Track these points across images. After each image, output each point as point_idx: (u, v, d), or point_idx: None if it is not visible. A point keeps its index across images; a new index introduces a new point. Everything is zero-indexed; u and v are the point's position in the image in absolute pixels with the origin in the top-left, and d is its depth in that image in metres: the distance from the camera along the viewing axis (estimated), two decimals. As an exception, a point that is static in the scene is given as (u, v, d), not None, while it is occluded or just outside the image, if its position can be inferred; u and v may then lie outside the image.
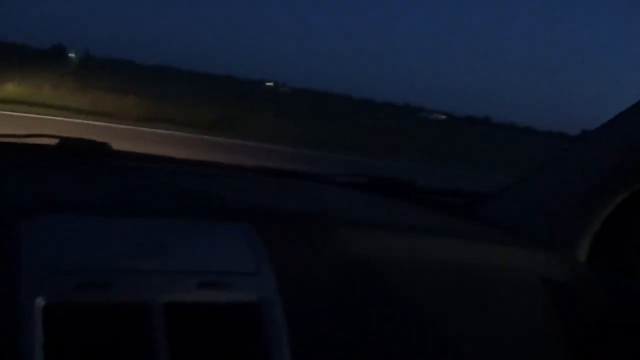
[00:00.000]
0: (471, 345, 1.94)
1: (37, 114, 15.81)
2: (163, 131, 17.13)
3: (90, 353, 1.40)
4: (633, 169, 2.05)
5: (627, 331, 2.09)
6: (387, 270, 1.88)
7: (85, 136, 2.13)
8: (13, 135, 2.11)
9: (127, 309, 1.45)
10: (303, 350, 1.59)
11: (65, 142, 2.08)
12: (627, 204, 2.09)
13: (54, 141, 2.08)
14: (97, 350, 1.41)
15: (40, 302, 1.39)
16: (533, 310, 2.07)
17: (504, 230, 2.21)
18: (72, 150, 2.09)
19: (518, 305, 2.04)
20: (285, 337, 1.55)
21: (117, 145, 2.18)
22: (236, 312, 1.54)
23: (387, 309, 1.86)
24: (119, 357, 1.42)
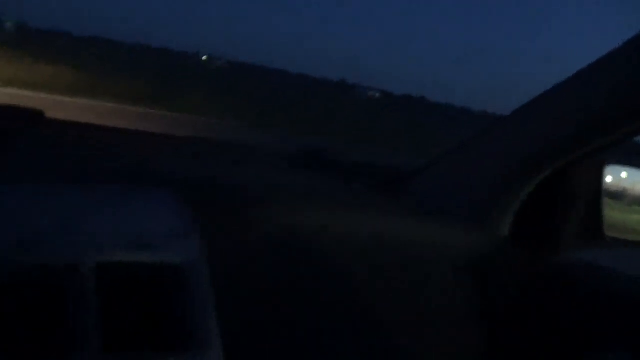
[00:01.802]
0: (394, 320, 1.98)
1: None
2: (97, 103, 16.96)
3: (21, 312, 1.43)
4: (553, 147, 2.10)
5: (546, 306, 2.15)
6: (310, 241, 1.92)
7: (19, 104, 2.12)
8: None
9: (57, 270, 1.47)
10: (228, 311, 1.62)
11: None
12: (548, 182, 2.14)
13: None
14: (29, 309, 1.44)
15: None
16: (456, 286, 2.10)
17: (427, 206, 2.24)
18: (5, 117, 2.08)
19: (441, 280, 2.08)
20: (211, 298, 1.59)
21: (50, 115, 2.15)
22: (163, 273, 1.56)
23: (309, 278, 1.90)
24: (49, 316, 1.45)
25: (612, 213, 2.30)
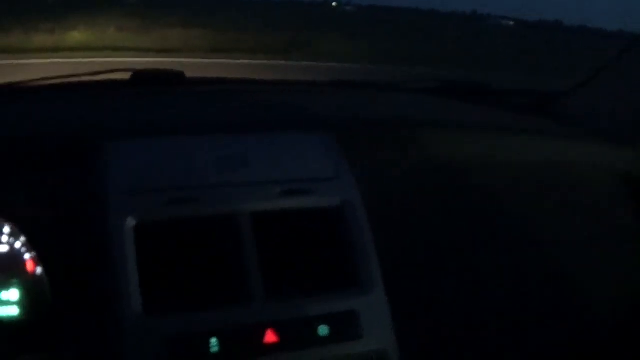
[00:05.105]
0: (553, 243, 1.96)
1: (107, 58, 15.88)
2: (233, 61, 17.14)
3: (183, 265, 1.48)
4: None
5: None
6: (467, 170, 1.91)
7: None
8: (89, 74, 2.15)
9: (215, 221, 1.53)
10: (387, 251, 1.62)
11: (139, 74, 2.17)
12: None
13: (128, 75, 2.14)
14: (190, 261, 1.49)
15: (131, 221, 1.47)
16: (613, 206, 2.08)
17: (580, 127, 2.19)
18: (147, 81, 2.18)
19: (598, 201, 2.06)
20: (370, 237, 1.60)
21: (190, 75, 2.25)
22: (319, 217, 1.60)
23: (468, 209, 1.89)
24: (210, 267, 1.50)
25: None
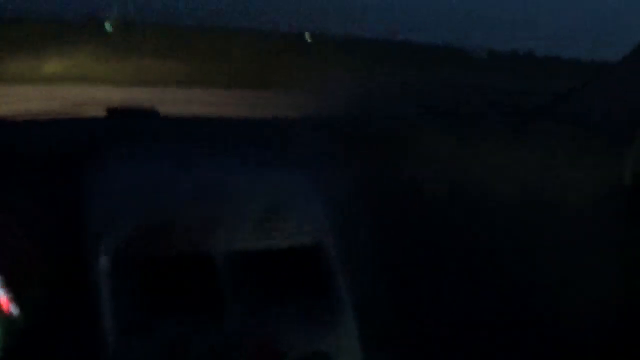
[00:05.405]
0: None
1: (81, 88, 15.84)
2: (209, 91, 17.16)
3: (158, 290, 1.43)
4: None
5: None
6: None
7: (131, 103, 2.19)
8: (63, 109, 2.18)
9: (191, 251, 1.47)
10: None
11: (112, 110, 2.15)
12: None
13: (103, 109, 2.12)
14: (165, 288, 1.43)
15: (107, 243, 1.42)
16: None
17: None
18: (120, 117, 2.15)
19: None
20: (343, 278, 1.55)
21: (164, 109, 2.19)
22: (294, 255, 1.55)
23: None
24: (185, 295, 1.44)
25: None
